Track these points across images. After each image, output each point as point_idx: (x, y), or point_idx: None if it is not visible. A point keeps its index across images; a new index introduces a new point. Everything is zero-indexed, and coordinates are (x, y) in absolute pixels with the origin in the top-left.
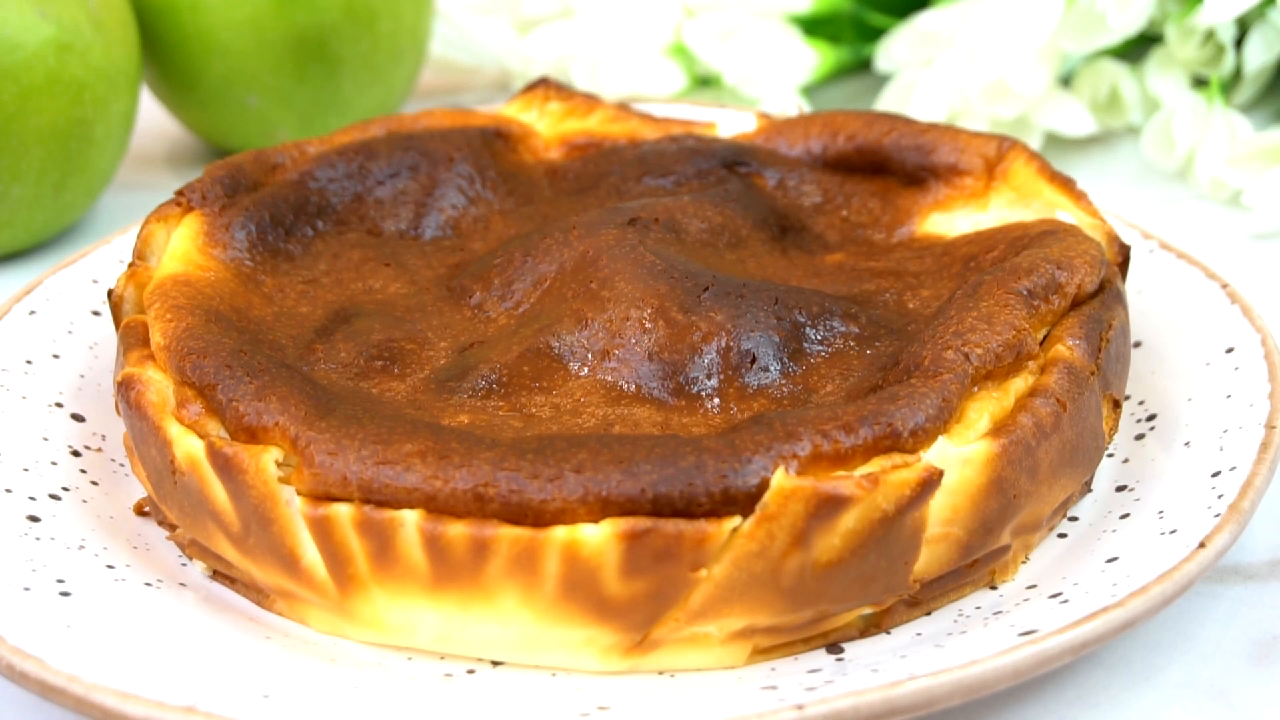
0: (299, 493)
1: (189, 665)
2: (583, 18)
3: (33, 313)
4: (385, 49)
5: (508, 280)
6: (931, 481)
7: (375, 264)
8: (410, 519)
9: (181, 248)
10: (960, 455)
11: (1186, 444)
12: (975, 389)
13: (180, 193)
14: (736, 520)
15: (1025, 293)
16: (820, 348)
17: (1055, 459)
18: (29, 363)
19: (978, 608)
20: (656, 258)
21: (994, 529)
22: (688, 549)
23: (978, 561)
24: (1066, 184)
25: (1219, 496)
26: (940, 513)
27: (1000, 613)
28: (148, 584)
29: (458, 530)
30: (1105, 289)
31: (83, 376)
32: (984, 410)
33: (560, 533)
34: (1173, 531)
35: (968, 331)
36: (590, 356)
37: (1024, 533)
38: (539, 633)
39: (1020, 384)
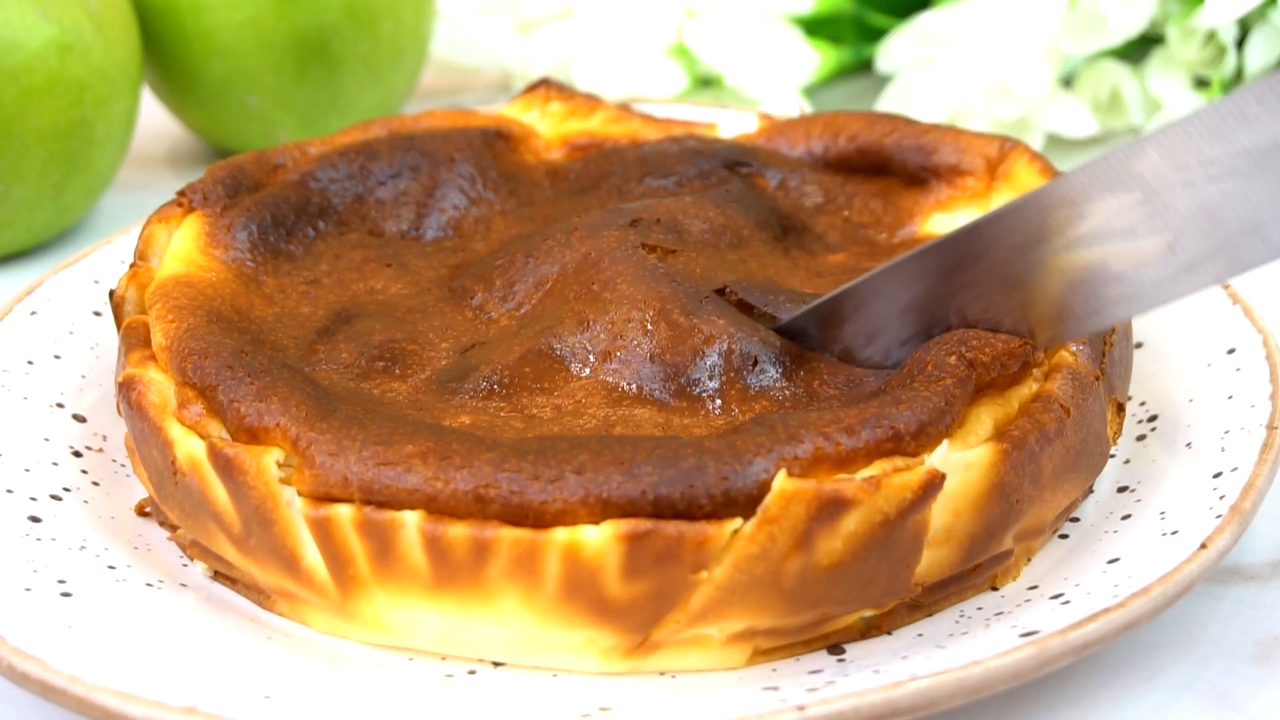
0: (300, 493)
1: (190, 666)
2: (583, 18)
3: (34, 313)
4: (386, 50)
5: (509, 281)
6: (934, 485)
7: (377, 264)
8: (411, 520)
9: (183, 248)
10: (963, 459)
11: (1188, 445)
12: (978, 393)
13: (182, 193)
14: (738, 522)
15: None
16: None
17: (1058, 464)
18: (30, 363)
19: (979, 608)
20: (658, 259)
21: (996, 533)
22: (689, 551)
23: (979, 566)
24: None
25: (1220, 497)
26: (942, 516)
27: (1002, 613)
28: (149, 584)
29: (458, 531)
30: None
31: (84, 377)
32: (987, 415)
33: (561, 534)
34: (1174, 532)
35: (971, 336)
36: (592, 358)
37: (1026, 538)
38: (540, 634)
39: (1024, 389)
